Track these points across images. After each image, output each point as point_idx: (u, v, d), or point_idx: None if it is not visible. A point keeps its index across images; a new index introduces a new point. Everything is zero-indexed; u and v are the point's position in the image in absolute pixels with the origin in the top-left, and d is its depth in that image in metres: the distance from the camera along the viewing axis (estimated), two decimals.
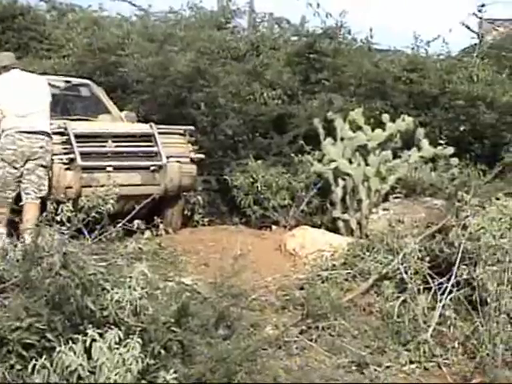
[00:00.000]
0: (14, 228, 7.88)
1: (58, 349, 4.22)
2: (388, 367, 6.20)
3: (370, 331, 6.79)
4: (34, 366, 4.16)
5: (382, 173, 9.79)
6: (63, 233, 6.02)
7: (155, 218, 7.79)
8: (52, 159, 8.61)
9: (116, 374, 4.13)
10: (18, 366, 4.32)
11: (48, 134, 8.39)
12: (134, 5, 13.40)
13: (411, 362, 6.41)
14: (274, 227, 10.32)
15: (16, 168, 8.17)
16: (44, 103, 8.56)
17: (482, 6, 14.42)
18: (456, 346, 6.66)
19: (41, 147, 8.23)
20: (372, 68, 12.42)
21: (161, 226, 7.68)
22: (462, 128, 11.83)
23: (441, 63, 12.95)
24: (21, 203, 8.07)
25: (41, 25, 14.55)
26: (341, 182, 9.85)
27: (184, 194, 10.09)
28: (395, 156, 9.91)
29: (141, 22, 13.11)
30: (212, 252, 8.63)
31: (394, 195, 9.76)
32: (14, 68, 8.65)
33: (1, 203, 8.08)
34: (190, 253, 8.54)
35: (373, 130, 10.05)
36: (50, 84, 9.20)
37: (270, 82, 11.52)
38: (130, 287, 5.02)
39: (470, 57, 13.41)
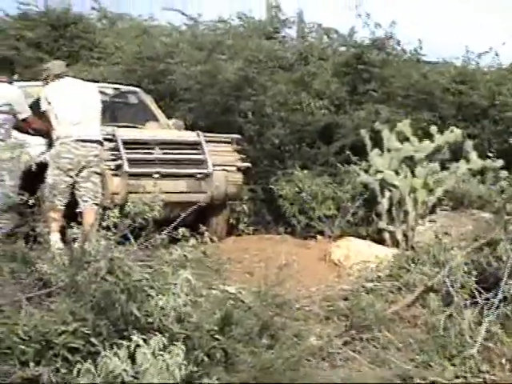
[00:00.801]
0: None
1: (102, 353, 4.25)
2: (433, 382, 6.16)
3: (414, 344, 6.74)
4: (79, 369, 4.19)
5: (430, 184, 9.72)
6: (109, 238, 6.07)
7: (200, 225, 7.85)
8: None
9: (159, 380, 4.15)
10: (63, 370, 4.36)
11: (101, 142, 8.52)
12: (184, 14, 13.41)
13: (457, 377, 6.35)
14: (318, 237, 10.27)
15: (70, 176, 8.28)
16: (96, 110, 8.66)
17: None
18: (503, 362, 6.62)
19: (95, 155, 8.35)
20: (420, 79, 12.37)
21: (206, 234, 7.71)
22: (511, 140, 11.69)
23: (491, 75, 12.84)
24: (77, 210, 8.16)
25: (91, 33, 14.71)
26: (387, 193, 9.80)
27: (229, 202, 10.10)
28: (443, 168, 9.84)
29: (190, 31, 13.19)
30: (256, 261, 8.62)
31: (441, 207, 9.68)
32: (65, 75, 8.78)
33: (54, 209, 8.16)
34: (234, 261, 8.53)
35: (420, 141, 9.99)
36: (99, 91, 9.30)
37: (317, 91, 11.51)
38: (174, 294, 5.04)
39: None
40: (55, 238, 7.80)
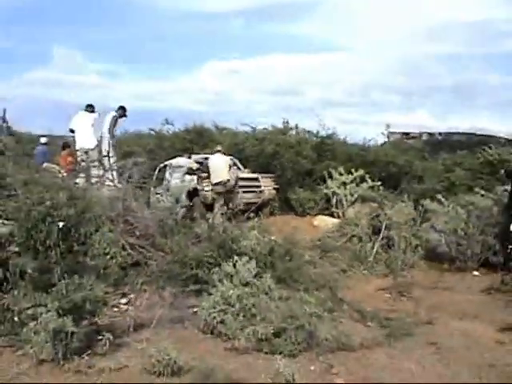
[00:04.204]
0: None
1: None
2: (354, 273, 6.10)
3: (345, 257, 6.61)
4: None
5: (352, 192, 9.38)
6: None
7: (259, 212, 7.95)
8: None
9: None
10: None
11: (228, 180, 8.92)
12: (249, 126, 13.01)
13: (364, 270, 6.34)
14: (308, 215, 9.99)
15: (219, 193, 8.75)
16: (222, 170, 8.94)
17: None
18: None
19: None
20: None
21: (261, 215, 7.80)
22: None
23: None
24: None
25: None
26: (335, 196, 9.61)
27: (270, 202, 10.14)
28: (357, 185, 9.46)
29: (252, 132, 12.73)
30: (283, 226, 8.42)
31: (357, 202, 9.34)
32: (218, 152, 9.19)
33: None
34: (273, 226, 8.40)
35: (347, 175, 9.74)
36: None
37: (305, 155, 11.16)
38: (251, 240, 4.93)
39: None
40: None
